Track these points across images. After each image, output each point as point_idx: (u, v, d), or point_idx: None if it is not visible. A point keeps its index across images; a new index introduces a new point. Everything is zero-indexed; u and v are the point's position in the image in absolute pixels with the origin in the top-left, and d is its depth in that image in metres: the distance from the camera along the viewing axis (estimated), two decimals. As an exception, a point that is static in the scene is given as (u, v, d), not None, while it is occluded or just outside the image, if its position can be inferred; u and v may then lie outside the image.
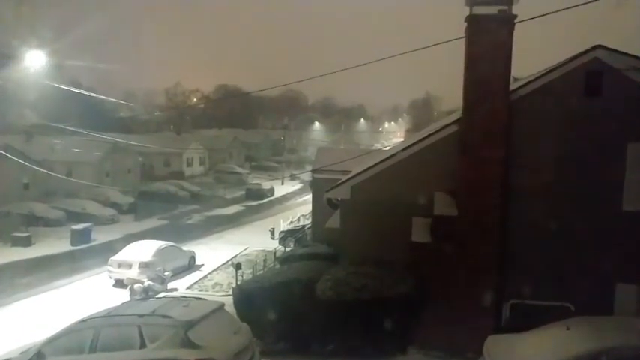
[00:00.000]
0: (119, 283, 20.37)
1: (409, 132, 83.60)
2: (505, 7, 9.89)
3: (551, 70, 10.41)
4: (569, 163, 10.32)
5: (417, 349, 10.72)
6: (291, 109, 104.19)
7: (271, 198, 49.29)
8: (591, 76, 10.10)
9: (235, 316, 11.18)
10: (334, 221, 12.53)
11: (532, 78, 10.76)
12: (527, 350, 8.14)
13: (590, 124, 10.20)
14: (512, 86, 10.86)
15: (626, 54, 10.16)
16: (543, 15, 8.35)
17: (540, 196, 10.39)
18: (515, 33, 9.91)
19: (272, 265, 20.87)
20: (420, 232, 10.85)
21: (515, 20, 9.81)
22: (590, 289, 10.08)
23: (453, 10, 10.26)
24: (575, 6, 7.89)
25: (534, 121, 10.42)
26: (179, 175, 54.54)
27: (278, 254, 22.07)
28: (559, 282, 10.24)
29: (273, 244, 27.15)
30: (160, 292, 18.15)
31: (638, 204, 10.11)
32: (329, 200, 12.49)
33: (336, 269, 11.61)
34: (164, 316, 8.94)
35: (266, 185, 51.39)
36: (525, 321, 9.15)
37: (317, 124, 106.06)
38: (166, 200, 42.35)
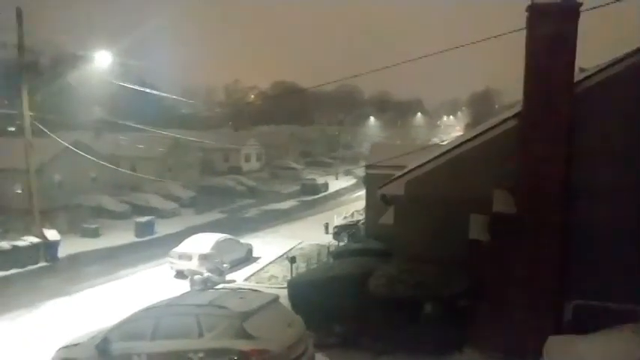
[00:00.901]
0: (180, 274, 21.18)
1: (468, 126, 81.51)
2: (571, -4, 9.45)
3: (617, 62, 9.86)
4: (636, 159, 9.77)
5: (473, 348, 10.51)
6: (346, 105, 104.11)
7: (325, 193, 49.59)
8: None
9: (290, 308, 11.39)
10: (388, 217, 12.46)
11: (597, 70, 10.25)
12: (589, 352, 7.81)
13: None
14: (578, 78, 10.40)
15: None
16: (610, 3, 7.93)
17: (606, 193, 9.88)
18: (581, 22, 9.48)
19: (326, 259, 21.04)
20: (477, 229, 10.59)
21: (581, 9, 9.38)
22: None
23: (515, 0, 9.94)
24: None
25: (599, 115, 9.91)
26: (237, 170, 55.86)
27: (332, 249, 22.22)
28: (626, 284, 9.72)
29: (327, 239, 27.33)
30: (218, 284, 18.73)
31: None
32: (383, 196, 12.44)
33: (389, 266, 11.57)
34: (221, 307, 9.23)
35: (320, 180, 51.73)
36: (588, 323, 8.77)
37: (372, 119, 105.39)
38: (225, 194, 43.58)
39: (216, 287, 16.75)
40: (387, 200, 12.54)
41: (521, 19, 9.97)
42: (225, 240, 22.81)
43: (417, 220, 11.48)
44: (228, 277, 20.56)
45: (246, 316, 8.95)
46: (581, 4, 9.36)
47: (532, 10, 9.68)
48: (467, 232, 10.59)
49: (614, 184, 9.83)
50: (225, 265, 20.39)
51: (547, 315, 9.80)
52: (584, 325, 8.85)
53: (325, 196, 48.35)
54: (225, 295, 10.12)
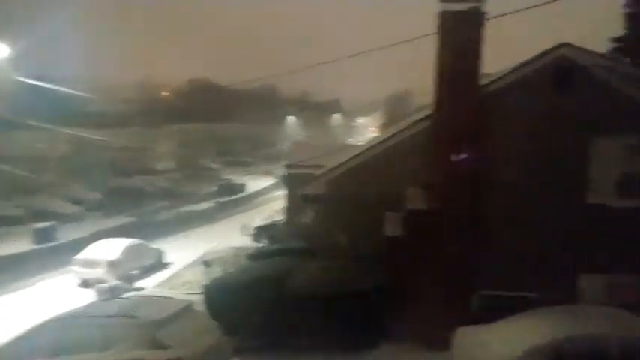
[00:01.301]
0: (85, 283, 20.10)
1: (384, 127, 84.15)
2: (476, 4, 10.11)
3: (520, 67, 10.71)
4: (538, 157, 10.65)
5: (389, 342, 10.91)
6: (266, 103, 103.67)
7: (244, 194, 49.14)
8: (558, 72, 10.44)
9: (206, 314, 11.19)
10: (308, 216, 12.64)
11: (502, 74, 11.04)
12: (494, 341, 8.40)
13: (557, 119, 10.54)
14: (484, 82, 11.13)
15: (591, 51, 10.52)
16: (514, 12, 8.60)
17: (510, 189, 10.72)
18: (489, 29, 10.17)
19: (244, 261, 20.86)
20: (392, 226, 11.06)
21: (487, 17, 10.06)
22: (556, 279, 10.44)
23: (429, 5, 10.48)
24: (541, 4, 8.17)
25: (504, 117, 10.72)
26: (149, 171, 53.87)
27: (251, 251, 22.08)
28: (527, 273, 10.58)
29: (246, 241, 27.12)
30: (127, 292, 17.98)
31: (601, 196, 10.52)
32: (303, 195, 12.59)
33: (310, 264, 11.73)
34: (130, 316, 8.89)
35: (239, 181, 51.16)
36: (494, 312, 9.40)
37: (293, 118, 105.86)
38: (136, 197, 41.79)
39: (125, 296, 16.09)
40: (307, 200, 12.70)
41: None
42: (134, 245, 21.97)
43: (336, 218, 11.75)
44: (138, 284, 19.83)
45: (158, 324, 8.69)
46: (485, 13, 10.04)
47: (442, 16, 10.25)
48: (384, 229, 11.02)
49: (516, 180, 10.66)
50: (134, 272, 19.64)
51: (457, 307, 10.40)
52: (491, 314, 9.47)
53: (244, 197, 47.90)
54: (134, 303, 9.75)
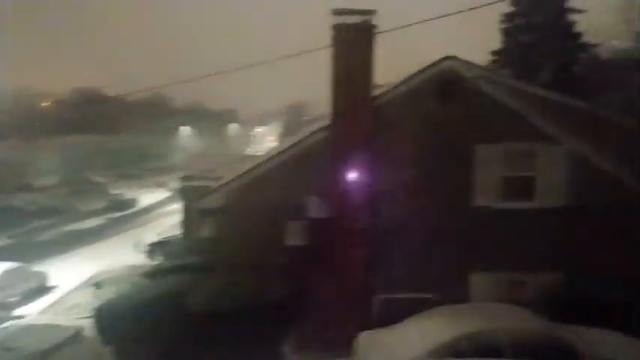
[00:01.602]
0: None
1: (283, 136, 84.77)
2: (367, 18, 10.58)
3: (409, 79, 11.35)
4: (428, 164, 11.33)
5: (293, 352, 10.95)
6: (158, 113, 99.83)
7: (136, 208, 46.87)
8: (444, 83, 11.21)
9: (98, 339, 10.50)
10: (207, 230, 12.33)
11: (394, 85, 11.63)
12: (394, 344, 8.76)
13: (444, 128, 11.29)
14: (378, 92, 11.66)
15: (473, 63, 11.44)
16: (404, 27, 9.11)
17: (404, 195, 11.27)
18: (385, 41, 10.70)
19: (139, 280, 19.87)
20: (294, 235, 11.17)
21: (377, 30, 10.57)
22: (450, 280, 11.14)
23: (326, 17, 10.81)
24: (432, 19, 8.75)
25: (396, 126, 11.26)
26: (29, 188, 49.59)
27: (146, 269, 21.07)
28: (423, 275, 11.17)
29: (140, 259, 25.87)
30: (5, 321, 16.36)
31: (486, 199, 11.42)
32: (201, 208, 12.27)
33: (210, 280, 11.45)
34: (9, 349, 8.13)
35: (129, 195, 48.76)
36: (394, 315, 9.82)
37: (187, 129, 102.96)
38: (13, 216, 38.20)
39: (3, 326, 14.63)
40: (205, 213, 12.40)
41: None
42: (11, 269, 20.12)
43: (237, 230, 11.59)
44: (19, 312, 18.13)
45: (41, 355, 8.02)
46: (375, 26, 10.55)
47: (336, 28, 10.60)
48: (285, 238, 11.10)
49: (409, 186, 11.25)
50: (13, 299, 17.95)
51: (359, 312, 10.73)
52: (391, 317, 9.88)
53: (135, 212, 45.66)
54: (14, 333, 8.93)
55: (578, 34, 32.31)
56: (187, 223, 20.70)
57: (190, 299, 10.80)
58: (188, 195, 19.63)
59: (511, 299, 10.83)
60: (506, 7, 32.61)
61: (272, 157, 12.01)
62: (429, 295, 10.93)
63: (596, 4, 33.05)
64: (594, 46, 32.63)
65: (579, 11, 31.90)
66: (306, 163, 11.39)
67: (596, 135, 11.48)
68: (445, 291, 10.79)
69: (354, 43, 10.54)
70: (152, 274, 16.64)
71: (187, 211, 20.38)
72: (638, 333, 9.71)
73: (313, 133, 11.78)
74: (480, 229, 11.39)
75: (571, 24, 32.22)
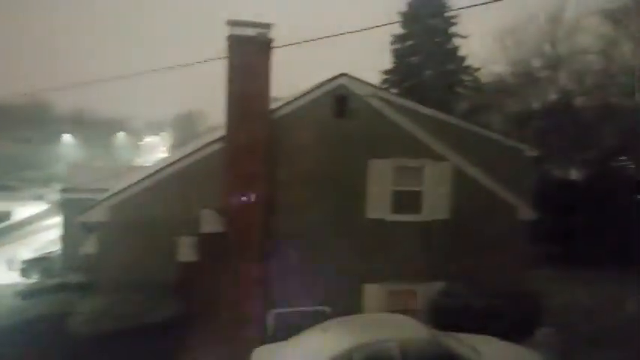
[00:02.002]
0: None
1: (174, 147, 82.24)
2: (264, 30, 10.67)
3: (305, 94, 11.61)
4: (324, 178, 11.61)
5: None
6: (37, 119, 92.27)
7: (10, 222, 42.90)
8: (338, 100, 11.62)
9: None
10: (90, 246, 11.58)
11: (290, 99, 11.81)
12: (287, 358, 8.79)
13: (339, 143, 11.67)
14: (275, 105, 11.77)
15: (365, 81, 11.97)
16: (301, 42, 9.31)
17: (299, 208, 11.44)
18: (285, 54, 10.83)
19: (13, 301, 18.17)
20: (186, 251, 10.83)
21: (273, 44, 10.69)
22: (343, 291, 11.46)
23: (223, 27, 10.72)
24: (330, 36, 9.05)
25: (293, 140, 11.44)
26: None
27: (20, 288, 19.32)
28: (317, 288, 11.37)
29: (14, 277, 23.70)
30: None
31: (378, 211, 11.93)
32: (83, 223, 11.52)
33: (93, 300, 10.76)
34: None
35: (3, 207, 44.57)
36: (289, 329, 9.87)
37: (68, 137, 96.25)
38: None
39: None
40: (88, 227, 11.67)
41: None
42: None
43: (124, 246, 11.00)
44: None
45: None
46: (272, 40, 10.67)
47: (231, 40, 10.57)
48: (177, 254, 10.74)
49: (304, 200, 11.45)
50: None
51: (253, 327, 10.65)
52: (285, 331, 9.92)
53: (9, 226, 41.78)
54: None
55: (462, 58, 35.04)
56: (67, 238, 19.38)
57: (71, 320, 10.08)
58: (69, 208, 18.42)
59: (403, 309, 11.39)
60: (398, 29, 34.63)
61: (162, 168, 11.60)
62: (324, 308, 11.14)
63: (477, 31, 36.09)
64: (476, 70, 35.57)
65: (462, 37, 34.68)
66: (198, 176, 11.14)
67: (478, 152, 12.49)
68: (339, 303, 11.06)
69: (249, 55, 10.57)
70: (27, 293, 15.33)
71: (68, 226, 19.09)
72: (512, 337, 10.66)
73: (207, 144, 11.57)
74: (373, 241, 11.86)
75: (455, 48, 34.88)
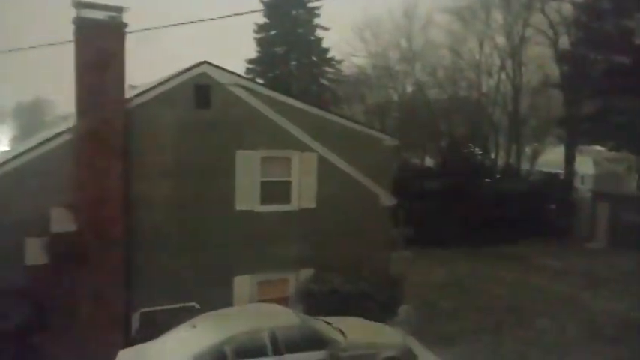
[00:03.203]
0: None
1: (17, 140, 74.45)
2: (116, 14, 10.12)
3: (164, 82, 11.25)
4: (187, 170, 11.39)
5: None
6: None
7: None
8: (200, 88, 11.42)
9: None
10: None
11: (148, 88, 11.38)
12: (157, 357, 8.59)
13: (203, 134, 11.51)
14: (130, 94, 11.24)
15: (228, 70, 11.92)
16: (157, 28, 9.01)
17: (163, 202, 11.15)
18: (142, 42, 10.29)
19: None
20: (35, 253, 10.00)
21: (127, 29, 10.19)
22: (213, 285, 11.41)
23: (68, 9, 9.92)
24: (189, 22, 8.82)
25: (153, 130, 11.04)
26: None
27: None
28: (186, 283, 11.19)
29: None
30: None
31: (247, 203, 12.03)
32: None
33: None
34: None
35: None
36: (157, 328, 9.59)
37: None
38: None
39: None
40: None
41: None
42: None
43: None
44: None
45: None
46: (126, 25, 10.17)
47: (78, 23, 9.88)
48: (24, 257, 9.89)
49: (168, 193, 11.16)
50: None
51: (118, 329, 10.19)
52: (153, 330, 9.63)
53: None
54: None
55: (325, 50, 36.23)
56: None
57: None
58: None
59: (274, 298, 11.66)
60: (261, 19, 34.81)
61: (3, 163, 10.54)
62: (193, 303, 10.99)
63: (339, 24, 37.56)
64: (339, 62, 36.99)
65: (325, 28, 35.83)
66: (46, 171, 10.28)
67: (342, 143, 13.10)
68: (209, 297, 10.97)
69: (100, 39, 9.94)
70: None
71: None
72: (377, 316, 11.48)
73: (55, 135, 10.72)
74: (242, 233, 11.92)
75: (318, 40, 35.94)
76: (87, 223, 10.05)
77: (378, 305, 12.22)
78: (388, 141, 14.18)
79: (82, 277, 9.98)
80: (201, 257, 11.48)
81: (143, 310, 10.74)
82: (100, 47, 9.93)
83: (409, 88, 38.23)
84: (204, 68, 11.48)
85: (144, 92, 11.10)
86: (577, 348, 11.50)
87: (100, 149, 10.09)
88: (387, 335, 10.59)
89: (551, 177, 31.56)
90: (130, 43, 10.26)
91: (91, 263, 10.02)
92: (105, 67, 9.96)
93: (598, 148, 39.00)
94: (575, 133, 30.56)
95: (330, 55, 36.77)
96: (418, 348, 11.06)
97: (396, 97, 38.65)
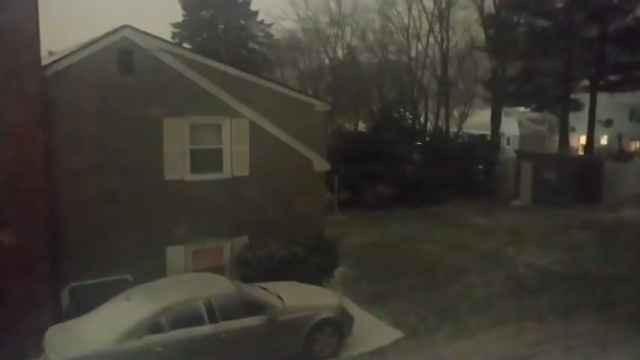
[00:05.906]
0: None
1: None
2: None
3: (84, 47, 10.79)
4: (114, 139, 11.09)
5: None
6: None
7: None
8: (122, 54, 11.04)
9: None
10: None
11: (67, 53, 10.88)
12: (89, 332, 8.50)
13: (128, 101, 11.19)
14: (47, 61, 10.72)
15: (153, 35, 11.57)
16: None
17: (88, 173, 10.85)
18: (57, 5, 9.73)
19: None
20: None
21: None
22: (146, 256, 11.32)
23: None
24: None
25: (74, 99, 10.62)
26: None
27: None
28: (117, 256, 11.04)
29: None
30: None
31: (177, 172, 11.91)
32: None
33: None
34: None
35: None
36: (89, 303, 9.44)
37: None
38: None
39: None
40: None
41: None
42: None
43: None
44: None
45: None
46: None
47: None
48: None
49: (93, 163, 10.86)
50: None
51: (46, 306, 9.96)
52: (85, 305, 9.46)
53: None
54: None
55: (254, 13, 35.59)
56: None
57: None
58: None
59: (209, 267, 11.72)
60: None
61: None
62: (126, 276, 10.88)
63: (268, -14, 36.82)
64: (268, 25, 36.48)
65: (253, -9, 35.14)
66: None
67: (273, 108, 13.10)
68: (142, 269, 10.89)
69: (11, 2, 9.37)
70: None
71: None
72: (314, 279, 11.85)
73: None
74: (173, 203, 11.82)
75: (247, 3, 35.21)
76: (8, 196, 9.66)
77: (313, 269, 12.57)
78: (320, 106, 14.32)
79: (5, 252, 9.63)
80: (131, 228, 11.32)
81: (73, 284, 10.52)
82: (9, 7, 9.35)
83: (340, 53, 38.42)
84: (125, 32, 11.06)
85: (63, 58, 10.61)
86: (503, 300, 12.32)
87: (15, 117, 9.61)
88: (323, 297, 10.95)
89: (479, 138, 32.97)
90: (45, 6, 9.74)
91: (13, 237, 9.67)
92: (17, 32, 9.41)
93: (522, 109, 41.00)
94: (500, 95, 31.99)
95: (259, 18, 36.19)
96: (354, 308, 11.51)
97: (327, 62, 38.75)
